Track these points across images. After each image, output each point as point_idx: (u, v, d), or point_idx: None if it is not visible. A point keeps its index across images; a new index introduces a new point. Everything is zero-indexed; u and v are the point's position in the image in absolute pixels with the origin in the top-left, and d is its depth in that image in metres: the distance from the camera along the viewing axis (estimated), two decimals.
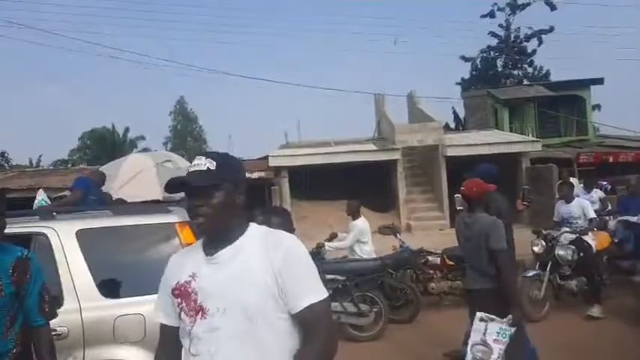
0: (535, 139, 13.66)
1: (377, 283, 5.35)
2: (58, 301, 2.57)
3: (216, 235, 1.39)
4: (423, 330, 5.17)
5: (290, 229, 1.95)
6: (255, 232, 1.43)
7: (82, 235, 2.87)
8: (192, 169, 1.39)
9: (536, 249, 5.57)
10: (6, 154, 27.65)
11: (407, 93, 17.23)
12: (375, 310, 5.02)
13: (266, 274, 1.33)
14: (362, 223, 6.02)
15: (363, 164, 12.57)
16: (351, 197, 6.52)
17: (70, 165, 25.53)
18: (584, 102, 16.39)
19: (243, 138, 52.58)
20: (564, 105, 16.55)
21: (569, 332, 4.65)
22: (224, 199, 1.36)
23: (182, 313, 1.39)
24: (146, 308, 2.78)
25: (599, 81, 16.78)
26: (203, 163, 1.37)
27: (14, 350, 1.95)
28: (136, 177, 6.75)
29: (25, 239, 2.77)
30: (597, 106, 24.49)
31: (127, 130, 29.45)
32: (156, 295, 2.79)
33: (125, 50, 44.24)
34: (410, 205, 12.93)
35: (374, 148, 13.25)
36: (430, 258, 5.98)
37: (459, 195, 3.85)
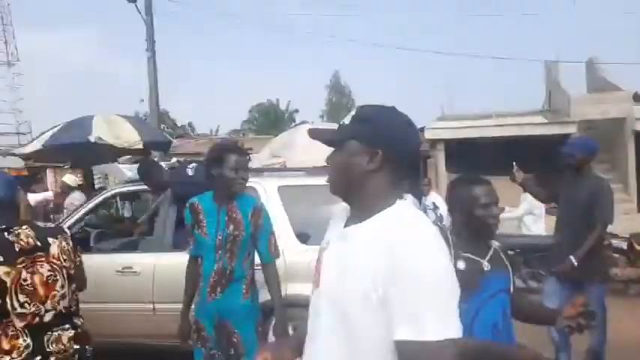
0: None
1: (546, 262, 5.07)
2: None
3: (348, 202, 1.17)
4: None
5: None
6: (393, 214, 1.07)
7: (282, 190, 3.37)
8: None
9: None
10: (192, 124, 32.55)
11: (586, 59, 15.13)
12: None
13: (366, 278, 1.00)
14: None
15: (530, 139, 11.58)
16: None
17: (242, 134, 28.85)
18: None
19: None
20: None
21: None
22: (345, 160, 1.11)
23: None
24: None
25: None
26: (348, 116, 1.16)
27: (247, 276, 2.48)
28: (307, 145, 7.41)
29: None
30: None
31: (289, 103, 31.91)
32: None
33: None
34: None
35: (544, 120, 12.09)
36: (614, 241, 5.40)
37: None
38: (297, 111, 32.59)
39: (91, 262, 3.13)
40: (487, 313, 1.64)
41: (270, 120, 30.92)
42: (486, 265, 1.69)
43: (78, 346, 1.85)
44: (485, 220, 1.72)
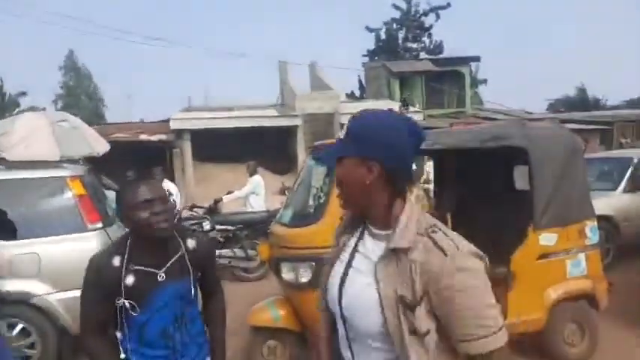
0: (418, 109, 15.30)
1: (264, 232, 6.21)
2: None
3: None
4: None
5: None
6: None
7: None
8: None
9: None
10: None
11: (309, 61, 18.00)
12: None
13: None
14: (258, 178, 6.90)
15: (266, 129, 13.23)
16: (252, 159, 7.31)
17: None
18: (463, 77, 18.45)
19: (144, 99, 50.52)
20: (449, 79, 18.50)
21: None
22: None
23: None
24: (40, 248, 3.38)
25: (477, 59, 19.02)
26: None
27: None
28: (30, 136, 6.77)
29: None
30: (484, 81, 27.48)
31: (1, 81, 26.60)
32: (48, 238, 3.35)
33: None
34: None
35: (275, 113, 13.94)
36: None
37: None
38: (24, 94, 27.60)
39: None
40: (156, 321, 1.67)
41: None
42: (161, 276, 1.65)
43: None
44: (148, 221, 1.58)
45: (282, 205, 7.18)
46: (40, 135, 6.99)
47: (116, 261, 1.63)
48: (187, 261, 1.70)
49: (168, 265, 1.66)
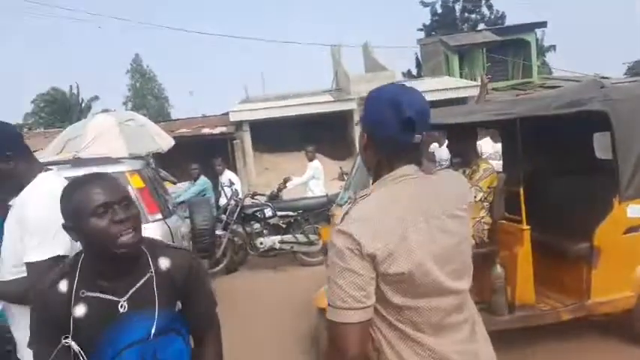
0: (478, 83, 14.53)
1: (325, 216, 6.18)
2: None
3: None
4: None
5: None
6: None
7: None
8: None
9: None
10: None
11: (362, 44, 17.65)
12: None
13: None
14: (317, 163, 6.92)
15: (322, 115, 13.19)
16: (310, 146, 7.32)
17: (27, 129, 25.02)
18: (529, 45, 17.25)
19: (205, 94, 52.73)
20: (512, 49, 17.39)
21: None
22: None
23: None
24: None
25: (543, 24, 17.66)
26: None
27: None
28: (100, 136, 7.20)
29: None
30: (553, 47, 25.62)
31: (78, 88, 28.70)
32: None
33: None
34: None
35: (330, 99, 13.84)
36: None
37: None
38: (96, 98, 29.63)
39: None
40: None
41: (59, 109, 27.42)
42: (123, 306, 1.23)
43: None
44: (108, 233, 1.18)
45: (341, 188, 7.22)
46: (110, 134, 7.44)
47: (63, 285, 1.23)
48: (154, 286, 1.26)
49: (132, 291, 1.24)
